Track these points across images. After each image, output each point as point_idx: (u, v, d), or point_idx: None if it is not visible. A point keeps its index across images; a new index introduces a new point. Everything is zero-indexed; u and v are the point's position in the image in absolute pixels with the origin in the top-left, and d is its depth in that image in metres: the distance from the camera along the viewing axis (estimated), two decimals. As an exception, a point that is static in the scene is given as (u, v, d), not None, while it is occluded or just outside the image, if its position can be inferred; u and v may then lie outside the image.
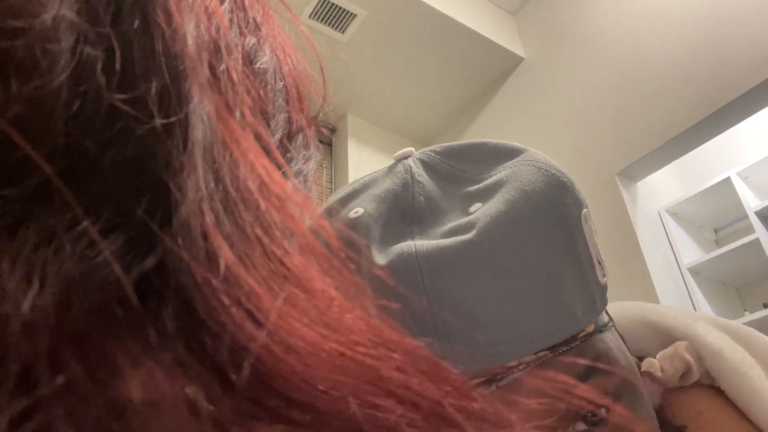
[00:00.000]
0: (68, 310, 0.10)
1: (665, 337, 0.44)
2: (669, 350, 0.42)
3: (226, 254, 0.12)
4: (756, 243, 2.30)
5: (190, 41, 0.13)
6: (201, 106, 0.13)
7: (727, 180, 2.50)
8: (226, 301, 0.12)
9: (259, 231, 0.13)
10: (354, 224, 0.36)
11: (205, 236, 0.12)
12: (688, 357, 0.41)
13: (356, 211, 0.37)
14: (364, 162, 2.87)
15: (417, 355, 0.14)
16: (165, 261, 0.12)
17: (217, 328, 0.12)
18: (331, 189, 2.88)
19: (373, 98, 2.94)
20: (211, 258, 0.12)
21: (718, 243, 2.76)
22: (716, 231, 2.83)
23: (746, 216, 2.41)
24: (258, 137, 0.15)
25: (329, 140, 3.01)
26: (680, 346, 0.42)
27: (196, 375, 0.11)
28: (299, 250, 0.13)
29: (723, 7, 2.02)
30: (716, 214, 2.69)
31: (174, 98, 0.13)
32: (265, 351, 0.12)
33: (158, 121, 0.12)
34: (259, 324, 0.12)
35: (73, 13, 0.13)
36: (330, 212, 0.40)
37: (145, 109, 0.12)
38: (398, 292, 0.32)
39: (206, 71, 0.14)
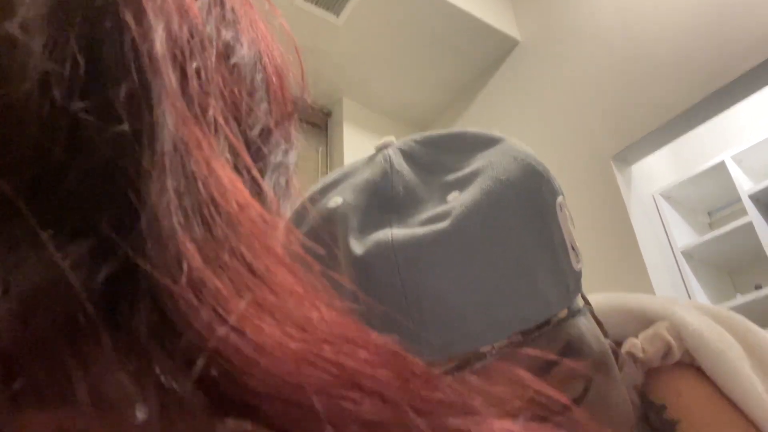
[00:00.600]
0: (32, 317, 0.11)
1: (645, 321, 0.45)
2: (650, 331, 0.43)
3: (193, 256, 0.12)
4: (749, 226, 2.31)
5: (157, 42, 0.14)
6: (166, 111, 0.13)
7: (722, 164, 2.51)
8: (194, 303, 0.12)
9: (227, 232, 0.13)
10: (333, 214, 0.37)
11: (172, 239, 0.12)
12: (669, 337, 0.42)
13: (335, 200, 0.38)
14: (360, 146, 2.86)
15: (383, 349, 0.14)
16: (136, 265, 0.12)
17: (186, 329, 0.12)
18: (327, 173, 2.87)
19: (368, 82, 2.92)
20: (180, 260, 0.12)
21: (711, 226, 2.78)
22: (710, 214, 2.84)
23: (739, 199, 2.42)
24: (226, 139, 0.15)
25: (324, 124, 3.00)
26: (660, 326, 0.43)
27: (167, 375, 0.12)
28: (266, 251, 0.14)
29: (719, -11, 2.01)
30: (710, 198, 2.70)
31: (143, 101, 0.13)
32: (234, 350, 0.12)
33: (125, 126, 0.13)
34: (225, 324, 0.12)
35: (43, 17, 0.13)
36: (311, 202, 0.40)
37: (113, 113, 0.13)
38: (374, 280, 0.33)
39: (174, 73, 0.14)
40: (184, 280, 0.12)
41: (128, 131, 0.13)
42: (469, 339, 0.32)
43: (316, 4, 2.47)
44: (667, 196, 2.51)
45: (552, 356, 0.33)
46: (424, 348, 0.32)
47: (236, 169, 0.16)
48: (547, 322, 0.34)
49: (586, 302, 0.40)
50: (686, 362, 0.42)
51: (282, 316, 0.13)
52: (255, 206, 0.14)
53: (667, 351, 0.42)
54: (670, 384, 0.42)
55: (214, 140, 0.14)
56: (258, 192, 0.18)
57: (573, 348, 0.35)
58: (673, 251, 2.32)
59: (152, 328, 0.12)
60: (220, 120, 0.15)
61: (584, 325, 0.37)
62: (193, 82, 0.15)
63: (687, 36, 2.07)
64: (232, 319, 0.12)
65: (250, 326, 0.12)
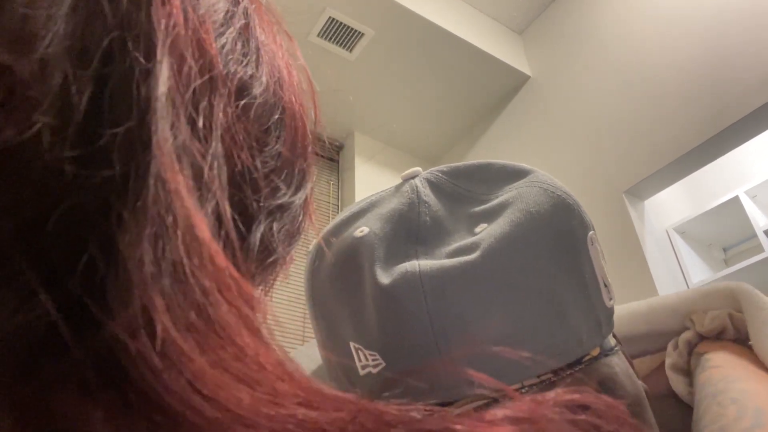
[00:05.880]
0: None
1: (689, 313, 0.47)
2: (716, 312, 0.46)
3: (160, 311, 0.12)
4: (765, 262, 2.27)
5: (160, 81, 0.13)
6: (153, 156, 0.13)
7: (736, 199, 2.48)
8: (158, 364, 0.11)
9: (197, 291, 0.13)
10: (359, 243, 0.36)
11: (141, 291, 0.12)
12: (728, 322, 0.45)
13: (362, 230, 0.37)
14: (371, 179, 2.88)
15: (357, 406, 0.13)
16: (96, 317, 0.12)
17: (146, 388, 0.11)
18: (338, 206, 2.89)
19: (379, 116, 2.95)
20: (145, 314, 0.11)
21: (727, 262, 2.73)
22: (725, 250, 2.80)
23: (755, 235, 2.39)
24: (220, 187, 0.14)
25: (336, 157, 3.02)
26: (724, 312, 0.46)
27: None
28: (236, 318, 0.13)
29: (731, 26, 2.03)
30: (725, 233, 2.67)
31: (138, 144, 0.13)
32: (202, 419, 0.11)
33: (115, 171, 0.12)
34: (195, 391, 0.11)
35: (64, 52, 0.12)
36: (336, 231, 0.40)
37: (107, 156, 0.12)
38: (400, 310, 0.32)
39: (172, 114, 0.13)
40: (146, 336, 0.11)
41: (116, 175, 0.12)
42: (498, 375, 0.31)
43: (329, 40, 2.52)
44: (681, 231, 2.48)
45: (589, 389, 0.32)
46: (450, 382, 0.31)
47: (220, 220, 0.15)
48: (578, 361, 0.33)
49: (618, 341, 0.38)
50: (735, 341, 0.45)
51: (251, 381, 0.13)
52: (229, 268, 0.14)
53: (722, 330, 0.45)
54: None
55: (203, 188, 0.14)
56: (242, 246, 0.18)
57: (606, 389, 0.33)
58: (688, 287, 2.28)
59: (107, 379, 0.12)
60: (216, 164, 0.14)
61: (617, 365, 0.35)
62: (198, 124, 0.14)
63: (700, 71, 2.08)
64: (208, 390, 0.11)
65: (222, 395, 0.12)
